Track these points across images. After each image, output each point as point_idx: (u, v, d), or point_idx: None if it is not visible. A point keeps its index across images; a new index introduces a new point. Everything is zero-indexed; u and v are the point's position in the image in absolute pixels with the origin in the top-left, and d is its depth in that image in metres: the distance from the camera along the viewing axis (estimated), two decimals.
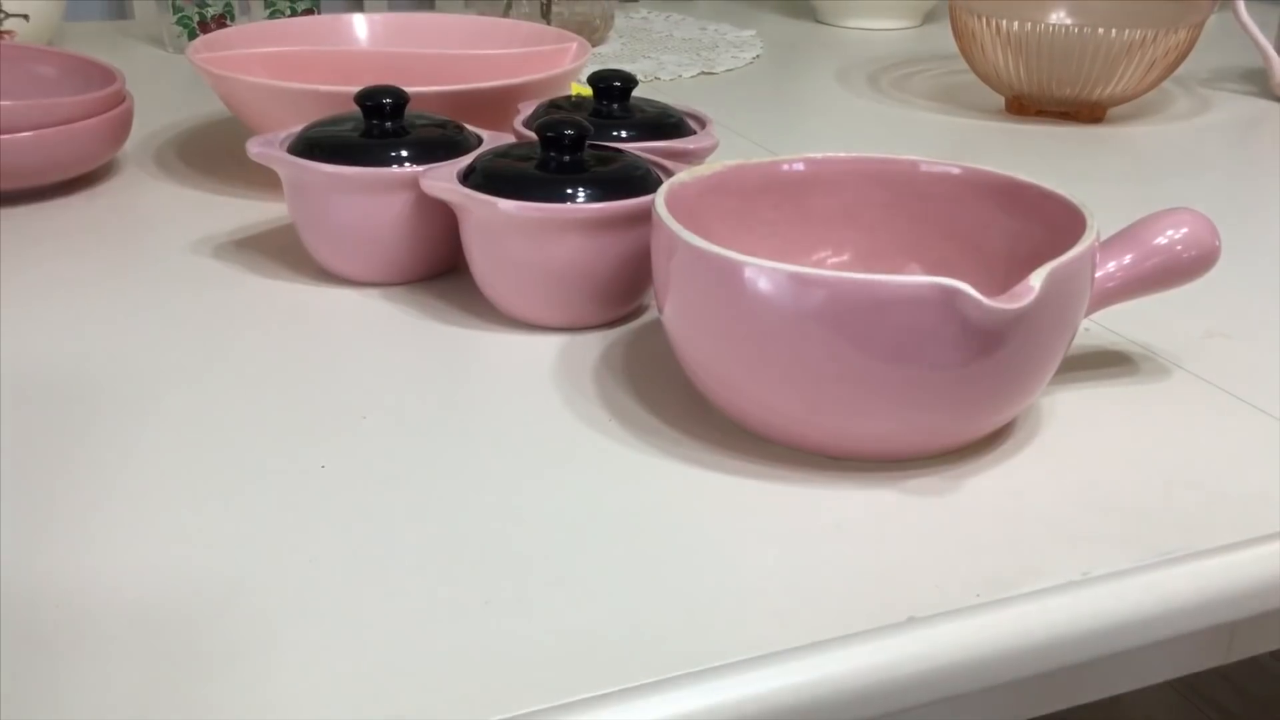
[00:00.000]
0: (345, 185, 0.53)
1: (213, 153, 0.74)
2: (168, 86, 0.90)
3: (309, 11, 1.03)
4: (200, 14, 1.00)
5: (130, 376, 0.47)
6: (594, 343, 0.50)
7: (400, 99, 0.54)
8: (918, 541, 0.38)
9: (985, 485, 0.41)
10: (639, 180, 0.51)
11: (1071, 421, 0.45)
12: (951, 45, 0.91)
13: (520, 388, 0.47)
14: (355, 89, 0.55)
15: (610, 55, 1.04)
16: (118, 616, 0.34)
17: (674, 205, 0.44)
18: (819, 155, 0.51)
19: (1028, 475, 0.42)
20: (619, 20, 1.19)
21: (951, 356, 0.38)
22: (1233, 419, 0.46)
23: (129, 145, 0.74)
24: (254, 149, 0.54)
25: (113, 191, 0.68)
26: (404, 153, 0.53)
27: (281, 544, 0.37)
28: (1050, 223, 0.46)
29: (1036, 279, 0.38)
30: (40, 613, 0.34)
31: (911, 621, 0.34)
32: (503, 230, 0.50)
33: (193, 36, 1.00)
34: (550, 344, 0.50)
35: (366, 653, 0.32)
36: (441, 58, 0.72)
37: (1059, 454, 0.43)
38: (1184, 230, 0.47)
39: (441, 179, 0.51)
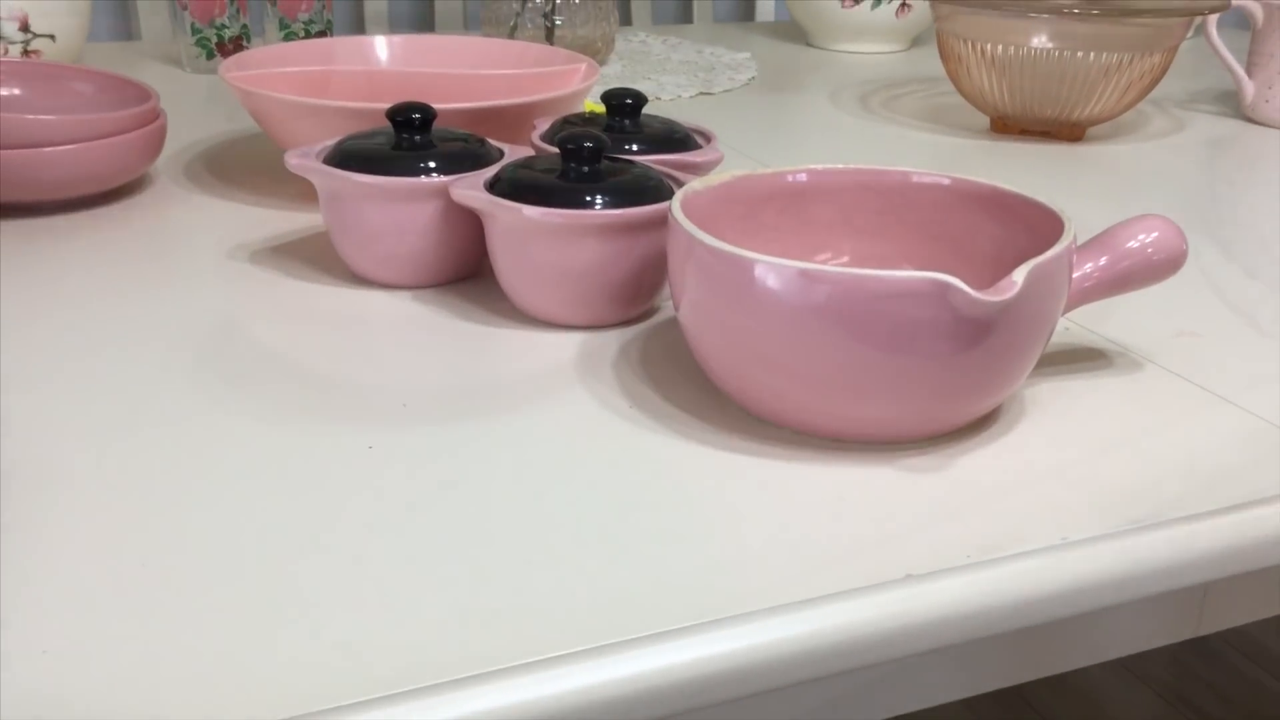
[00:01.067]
0: (379, 194, 0.57)
1: (240, 166, 0.78)
2: (190, 104, 0.94)
3: (322, 34, 1.07)
4: (219, 35, 1.04)
5: (175, 375, 0.51)
6: (612, 339, 0.54)
7: (429, 114, 0.58)
8: (913, 512, 0.42)
9: (974, 464, 0.45)
10: (652, 189, 0.55)
11: (1052, 409, 0.49)
12: (938, 68, 0.96)
13: (545, 378, 0.51)
14: (382, 106, 0.59)
15: (612, 76, 1.09)
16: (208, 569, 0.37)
17: (689, 211, 0.49)
18: (820, 166, 0.55)
19: (1013, 455, 0.46)
20: (618, 43, 1.24)
21: (943, 346, 0.42)
22: (1200, 408, 0.50)
23: (159, 159, 0.78)
24: (293, 161, 0.58)
25: (147, 203, 0.72)
26: (433, 164, 0.57)
27: (339, 511, 0.41)
28: (1032, 228, 0.50)
29: (1019, 274, 0.43)
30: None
31: (909, 578, 0.38)
32: (527, 235, 0.54)
33: (210, 57, 1.04)
34: (571, 340, 0.54)
35: (405, 605, 0.36)
36: (459, 77, 0.76)
37: (1041, 437, 0.47)
38: (1154, 235, 0.51)
39: (470, 188, 0.55)
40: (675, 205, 0.48)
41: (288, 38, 1.05)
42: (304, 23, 1.06)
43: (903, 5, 1.20)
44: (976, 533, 0.41)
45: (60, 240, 0.65)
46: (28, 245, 0.64)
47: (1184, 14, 0.88)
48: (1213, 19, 0.96)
